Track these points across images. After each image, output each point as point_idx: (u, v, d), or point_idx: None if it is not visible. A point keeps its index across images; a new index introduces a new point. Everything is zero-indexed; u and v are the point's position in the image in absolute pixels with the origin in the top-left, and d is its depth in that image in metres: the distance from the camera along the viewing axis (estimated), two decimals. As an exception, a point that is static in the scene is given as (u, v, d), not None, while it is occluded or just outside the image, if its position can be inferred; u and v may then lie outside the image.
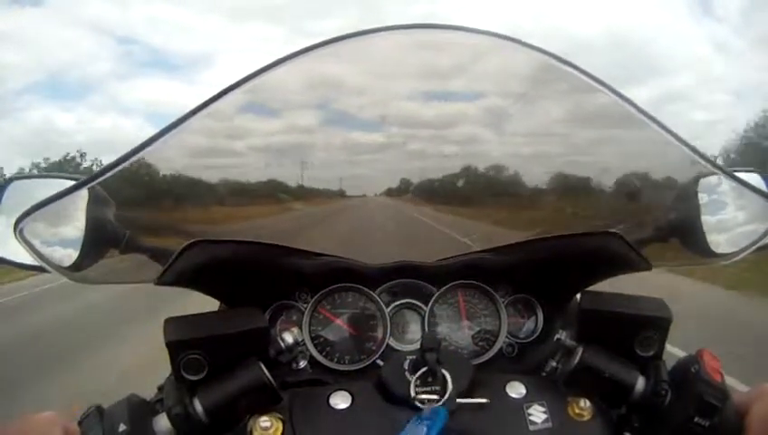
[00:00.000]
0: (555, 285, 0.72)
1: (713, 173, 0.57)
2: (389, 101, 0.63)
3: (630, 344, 0.53)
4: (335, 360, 0.70)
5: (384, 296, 0.74)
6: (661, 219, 0.67)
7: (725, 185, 0.61)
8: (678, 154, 0.52)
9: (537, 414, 0.53)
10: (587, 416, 0.53)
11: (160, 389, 0.52)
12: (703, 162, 0.52)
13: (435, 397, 0.51)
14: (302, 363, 0.68)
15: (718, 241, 0.62)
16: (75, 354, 4.37)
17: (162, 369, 0.53)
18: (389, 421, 0.51)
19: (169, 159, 0.56)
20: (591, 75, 0.49)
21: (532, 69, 0.56)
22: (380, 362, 0.69)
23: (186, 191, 0.67)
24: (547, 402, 0.53)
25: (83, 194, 0.53)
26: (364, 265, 0.72)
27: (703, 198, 0.63)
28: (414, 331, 0.74)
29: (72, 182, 0.48)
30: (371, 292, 0.73)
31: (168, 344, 0.49)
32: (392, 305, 0.74)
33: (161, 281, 0.55)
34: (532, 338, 0.74)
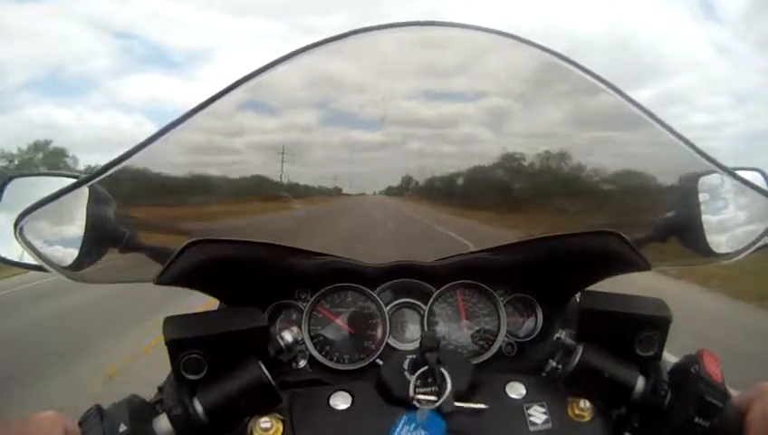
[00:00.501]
0: (555, 285, 0.72)
1: (713, 171, 0.57)
2: (390, 99, 0.63)
3: (630, 344, 0.53)
4: (335, 359, 0.70)
5: (383, 296, 0.74)
6: (661, 219, 0.67)
7: (726, 183, 0.60)
8: (679, 152, 0.52)
9: (537, 415, 0.53)
10: (587, 416, 0.53)
11: (160, 389, 0.52)
12: (704, 160, 0.52)
13: (434, 398, 0.51)
14: (302, 363, 0.68)
15: (718, 240, 0.62)
16: (30, 373, 3.56)
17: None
18: (389, 421, 0.51)
19: (170, 158, 0.56)
20: (594, 74, 0.49)
21: (535, 67, 0.56)
22: (380, 362, 0.69)
23: (186, 189, 0.67)
24: (547, 403, 0.53)
25: (83, 192, 0.53)
26: (363, 265, 0.72)
27: (703, 196, 0.62)
28: (413, 330, 0.74)
29: (73, 180, 0.48)
30: (371, 291, 0.73)
31: (168, 343, 0.49)
32: (391, 305, 0.74)
33: (161, 280, 0.54)
34: (531, 338, 0.74)
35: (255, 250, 0.65)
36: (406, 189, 0.80)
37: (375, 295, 0.73)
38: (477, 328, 0.74)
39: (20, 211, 0.47)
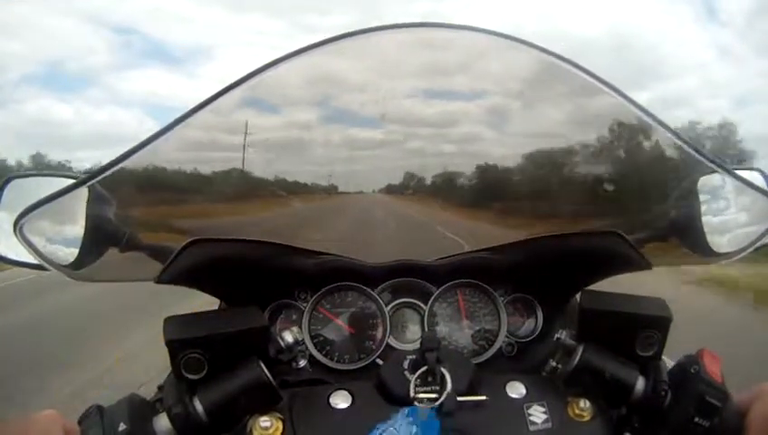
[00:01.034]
0: (555, 285, 0.72)
1: (714, 171, 0.57)
2: (390, 98, 0.63)
3: (630, 344, 0.53)
4: (335, 359, 0.70)
5: (384, 295, 0.74)
6: (661, 218, 0.67)
7: (727, 183, 0.60)
8: (679, 152, 0.52)
9: (537, 414, 0.53)
10: (587, 416, 0.53)
11: (160, 388, 0.52)
12: (704, 160, 0.52)
13: (434, 396, 0.51)
14: (302, 362, 0.68)
15: (719, 240, 0.62)
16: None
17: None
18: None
19: (170, 157, 0.56)
20: (593, 74, 0.49)
21: (535, 68, 0.56)
22: (380, 362, 0.69)
23: (186, 188, 0.67)
24: (547, 403, 0.53)
25: (83, 192, 0.53)
26: (364, 265, 0.72)
27: (704, 196, 0.62)
28: (414, 330, 0.74)
29: (72, 180, 0.48)
30: (371, 291, 0.73)
31: (168, 343, 0.49)
32: (392, 304, 0.74)
33: (161, 279, 0.54)
34: (531, 337, 0.74)
35: (256, 249, 0.65)
36: (406, 188, 0.80)
37: (375, 295, 0.73)
38: (478, 328, 0.74)
39: (20, 211, 0.47)
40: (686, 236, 0.65)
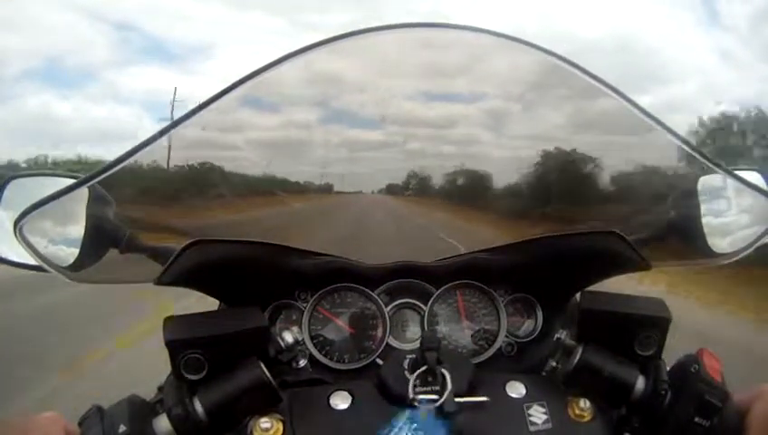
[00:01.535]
0: (555, 285, 0.72)
1: (713, 171, 0.57)
2: (391, 99, 0.63)
3: (630, 344, 0.53)
4: (335, 359, 0.70)
5: (383, 296, 0.74)
6: (661, 219, 0.67)
7: (726, 183, 0.61)
8: (678, 152, 0.52)
9: (537, 415, 0.53)
10: (587, 416, 0.53)
11: (160, 389, 0.52)
12: (703, 160, 0.52)
13: (434, 396, 0.51)
14: (302, 362, 0.68)
15: (718, 241, 0.62)
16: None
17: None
18: (389, 421, 0.51)
19: (169, 157, 0.56)
20: (595, 76, 0.49)
21: (537, 70, 0.56)
22: (380, 362, 0.69)
23: (186, 188, 0.67)
24: (547, 403, 0.53)
25: (83, 193, 0.53)
26: (364, 265, 0.72)
27: (703, 196, 0.63)
28: (413, 330, 0.74)
29: (72, 181, 0.48)
30: (371, 292, 0.73)
31: (168, 344, 0.49)
32: (392, 305, 0.74)
33: (161, 281, 0.54)
34: (531, 337, 0.74)
35: (256, 250, 0.65)
36: (405, 189, 0.80)
37: (375, 296, 0.73)
38: (477, 328, 0.74)
39: (20, 211, 0.47)
40: (685, 237, 0.65)
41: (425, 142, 0.73)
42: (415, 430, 0.49)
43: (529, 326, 0.75)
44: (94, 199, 0.55)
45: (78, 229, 0.56)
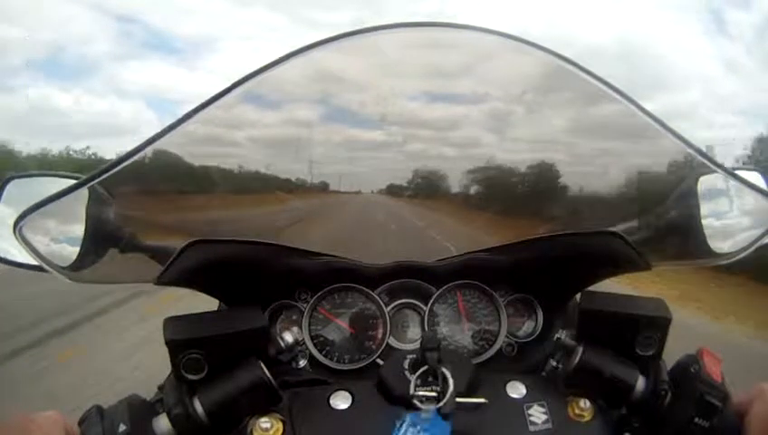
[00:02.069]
0: (555, 285, 0.72)
1: (713, 172, 0.57)
2: (393, 99, 0.63)
3: (630, 344, 0.53)
4: (335, 359, 0.70)
5: (384, 296, 0.74)
6: (661, 219, 0.67)
7: (726, 184, 0.60)
8: (679, 153, 0.52)
9: (537, 415, 0.53)
10: (587, 416, 0.53)
11: (160, 389, 0.52)
12: (704, 161, 0.52)
13: (434, 395, 0.51)
14: (302, 363, 0.68)
15: (718, 241, 0.62)
16: None
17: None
18: (390, 421, 0.51)
19: (169, 157, 0.56)
20: (597, 76, 0.49)
21: (541, 71, 0.56)
22: (380, 362, 0.69)
23: (186, 187, 0.67)
24: (547, 403, 0.53)
25: (84, 193, 0.53)
26: (364, 265, 0.72)
27: (703, 197, 0.63)
28: (414, 330, 0.74)
29: (73, 181, 0.48)
30: (371, 292, 0.73)
31: (168, 344, 0.49)
32: (392, 305, 0.74)
33: (161, 281, 0.54)
34: (531, 338, 0.74)
35: (256, 250, 0.65)
36: (406, 189, 0.80)
37: (375, 296, 0.73)
38: (478, 328, 0.74)
39: (20, 211, 0.47)
40: (685, 237, 0.65)
41: (426, 143, 0.73)
42: (416, 430, 0.49)
43: (529, 326, 0.75)
44: (94, 199, 0.54)
45: (78, 229, 0.56)
